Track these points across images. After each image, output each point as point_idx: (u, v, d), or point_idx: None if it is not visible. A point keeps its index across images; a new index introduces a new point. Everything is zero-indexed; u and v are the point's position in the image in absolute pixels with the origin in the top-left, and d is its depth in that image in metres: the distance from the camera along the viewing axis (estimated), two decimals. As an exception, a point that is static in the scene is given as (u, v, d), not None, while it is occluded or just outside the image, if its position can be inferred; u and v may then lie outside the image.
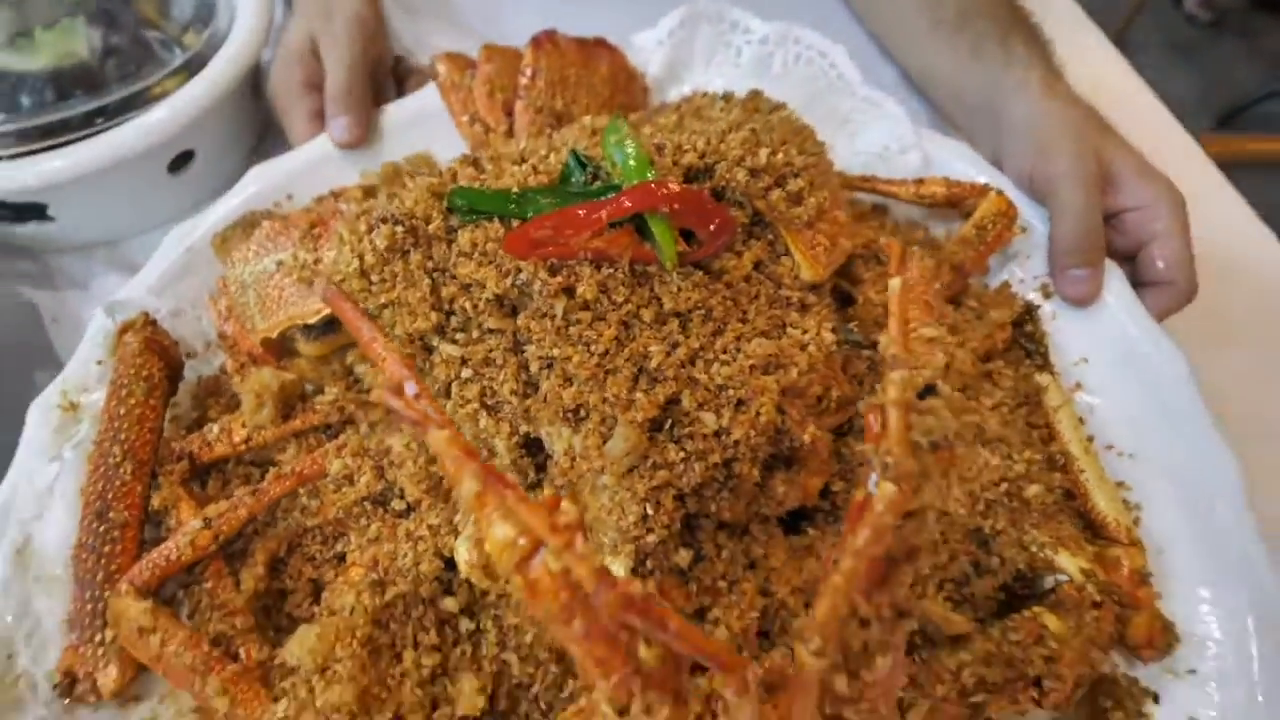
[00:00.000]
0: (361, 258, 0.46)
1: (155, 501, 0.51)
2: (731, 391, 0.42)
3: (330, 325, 0.51)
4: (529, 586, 0.26)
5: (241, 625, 0.47)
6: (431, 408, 0.28)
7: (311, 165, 0.67)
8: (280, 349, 0.55)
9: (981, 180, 0.64)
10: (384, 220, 0.45)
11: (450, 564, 0.48)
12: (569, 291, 0.42)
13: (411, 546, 0.48)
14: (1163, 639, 0.48)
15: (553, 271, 0.42)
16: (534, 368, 0.43)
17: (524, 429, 0.44)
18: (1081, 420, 0.55)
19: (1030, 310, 0.59)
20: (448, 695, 0.45)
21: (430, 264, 0.45)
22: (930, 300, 0.44)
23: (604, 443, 0.41)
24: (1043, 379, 0.56)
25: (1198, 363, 0.55)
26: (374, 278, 0.46)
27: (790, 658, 0.31)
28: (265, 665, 0.46)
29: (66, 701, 0.46)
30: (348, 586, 0.47)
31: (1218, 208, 0.77)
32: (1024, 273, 0.63)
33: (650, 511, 0.40)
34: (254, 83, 0.76)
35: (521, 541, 0.26)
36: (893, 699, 0.32)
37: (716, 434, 0.41)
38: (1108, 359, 0.58)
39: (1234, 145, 2.05)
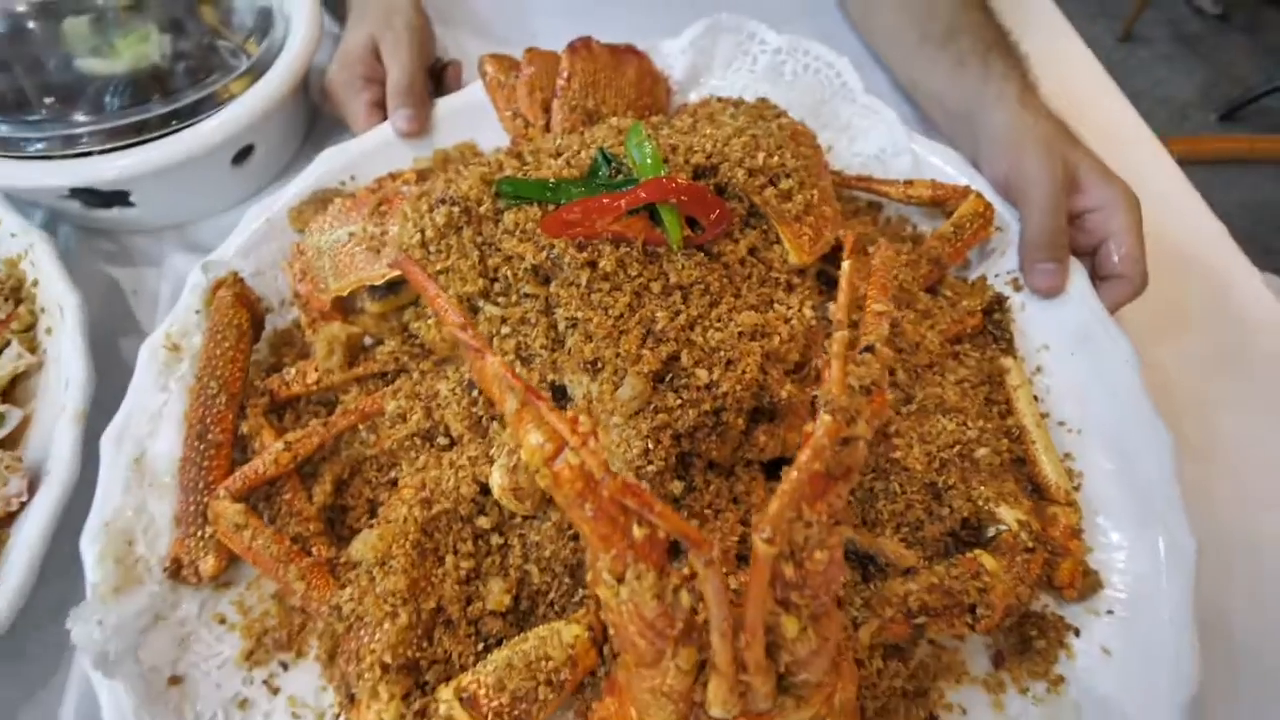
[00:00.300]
0: (423, 231, 0.55)
1: (243, 428, 0.62)
2: (722, 353, 0.51)
3: (392, 287, 0.61)
4: (554, 478, 0.35)
5: (313, 529, 0.58)
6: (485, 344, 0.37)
7: (372, 151, 0.77)
8: (346, 307, 0.65)
9: (963, 182, 0.71)
10: (443, 201, 0.54)
11: (484, 490, 0.58)
12: (592, 265, 0.51)
13: (453, 473, 0.58)
14: (1085, 583, 0.56)
15: (580, 248, 0.51)
16: (561, 327, 0.52)
17: (551, 377, 0.54)
18: (1037, 399, 0.63)
19: (1000, 301, 0.66)
20: (480, 594, 0.55)
21: (479, 239, 0.54)
22: (887, 283, 0.51)
23: (615, 390, 0.50)
24: (1006, 362, 0.64)
25: (1152, 349, 0.63)
26: (432, 249, 0.56)
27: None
28: (332, 562, 0.57)
29: (173, 583, 0.56)
30: (400, 502, 0.56)
31: (1177, 204, 0.83)
32: (998, 268, 0.70)
33: (650, 447, 0.49)
34: (305, 84, 0.86)
35: (548, 445, 0.35)
36: (832, 592, 0.40)
37: (708, 386, 0.50)
38: (1065, 345, 0.66)
39: (1197, 145, 2.07)
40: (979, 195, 0.69)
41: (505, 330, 0.54)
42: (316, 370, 0.64)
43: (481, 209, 0.54)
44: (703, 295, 0.52)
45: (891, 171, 0.75)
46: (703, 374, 0.50)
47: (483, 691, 0.50)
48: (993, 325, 0.65)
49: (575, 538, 0.57)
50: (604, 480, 0.34)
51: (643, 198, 0.51)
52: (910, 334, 0.61)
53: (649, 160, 0.54)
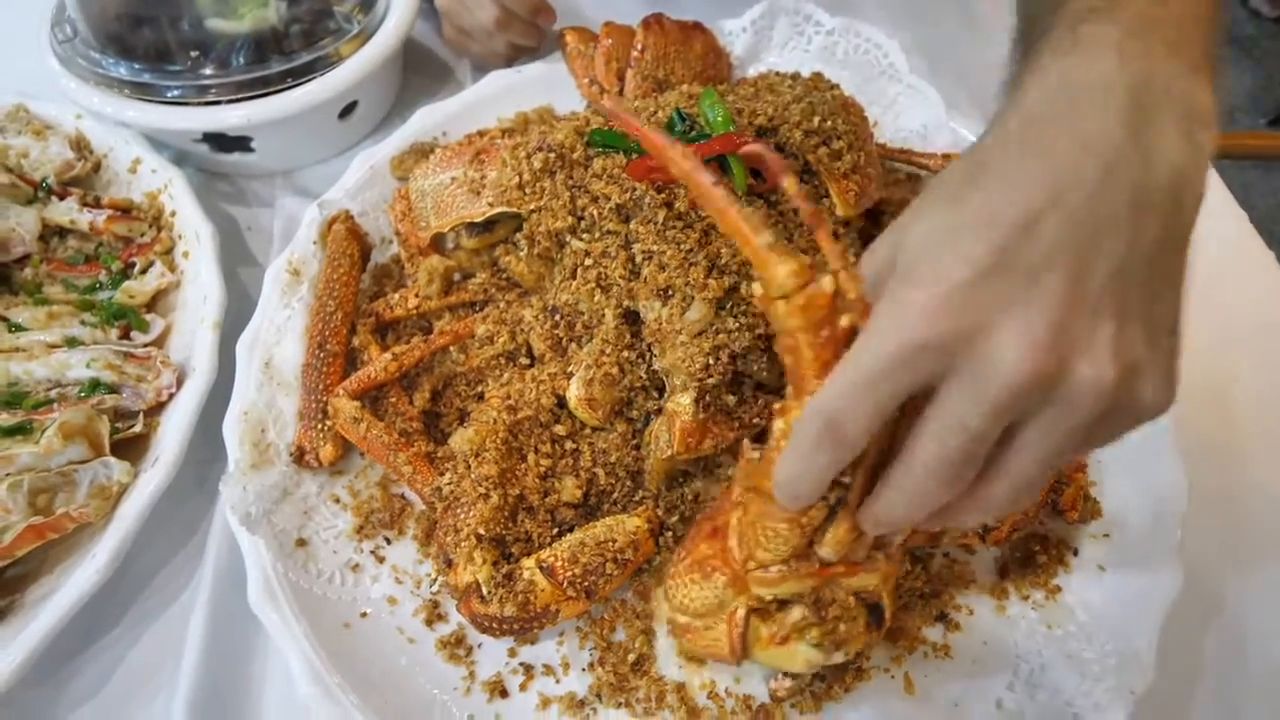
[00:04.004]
0: (520, 175, 0.65)
1: (354, 342, 0.72)
2: (776, 286, 0.59)
3: (487, 226, 0.70)
4: (807, 300, 0.35)
5: (415, 427, 0.68)
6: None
7: (462, 111, 0.87)
8: (440, 245, 0.75)
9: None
10: (540, 149, 0.63)
11: (561, 403, 0.67)
12: (669, 205, 0.59)
13: (535, 386, 0.67)
14: (1086, 508, 0.64)
15: (659, 190, 0.60)
16: (638, 259, 0.61)
17: (626, 303, 0.62)
18: None
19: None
20: (555, 488, 0.65)
21: (570, 182, 0.63)
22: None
23: (683, 313, 0.59)
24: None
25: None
26: (528, 189, 0.65)
27: None
28: (430, 455, 0.67)
29: (298, 466, 0.67)
30: (490, 408, 0.66)
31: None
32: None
33: (711, 363, 0.58)
34: (403, 49, 0.95)
35: (798, 277, 0.35)
36: None
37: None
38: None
39: (1236, 140, 2.06)
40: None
41: (589, 262, 0.63)
42: (417, 296, 0.74)
43: (574, 155, 0.63)
44: (761, 237, 0.60)
45: (931, 146, 0.82)
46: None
47: (559, 563, 0.60)
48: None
49: (637, 446, 0.66)
50: (854, 303, 0.35)
51: (715, 149, 0.59)
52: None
53: (720, 119, 0.62)
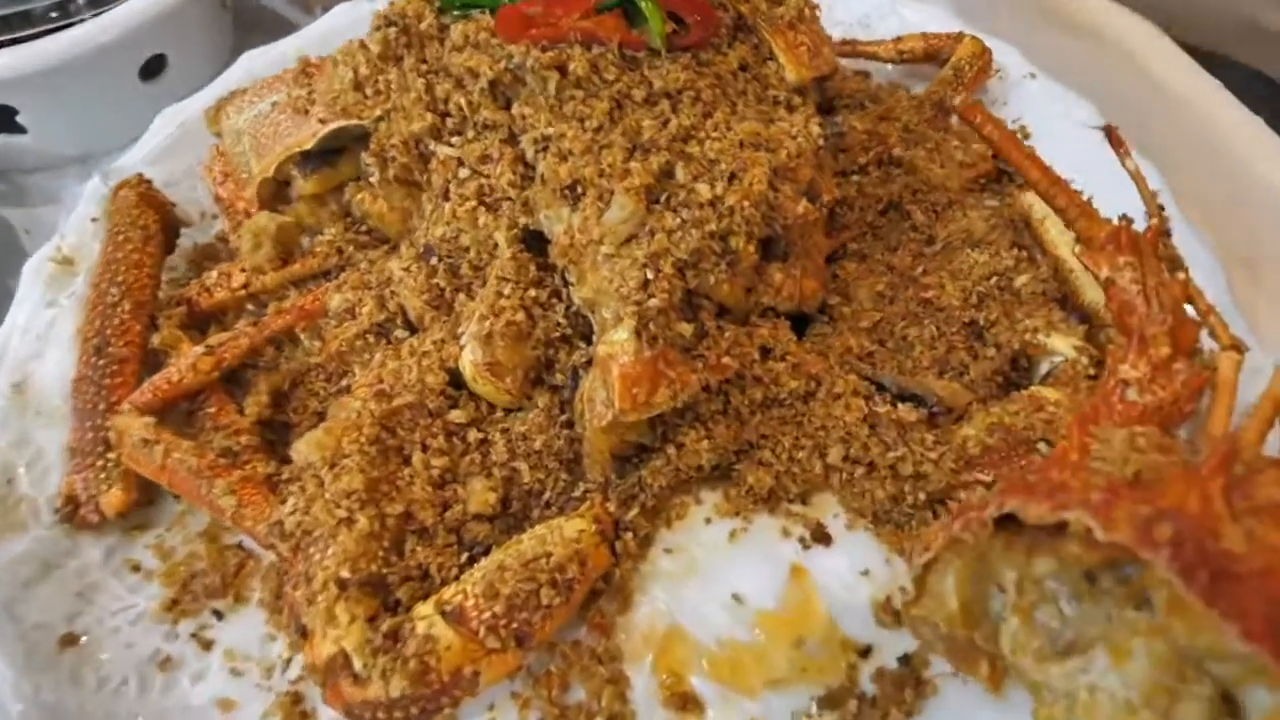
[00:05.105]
0: (356, 70, 0.47)
1: (155, 340, 0.51)
2: (724, 165, 0.43)
3: (326, 158, 0.52)
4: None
5: (246, 442, 0.47)
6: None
7: (306, 49, 0.68)
8: (277, 197, 0.56)
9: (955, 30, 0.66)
10: (378, 27, 0.46)
11: (456, 382, 0.48)
12: (561, 69, 0.43)
13: (416, 361, 0.48)
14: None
15: (544, 50, 0.43)
16: (530, 153, 0.44)
17: (523, 221, 0.45)
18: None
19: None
20: (458, 496, 0.45)
21: (424, 66, 0.46)
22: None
23: (602, 215, 0.41)
24: (1027, 198, 0.57)
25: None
26: (369, 90, 0.47)
27: None
28: (272, 479, 0.46)
29: (69, 525, 0.45)
30: (353, 400, 0.47)
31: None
32: (1003, 115, 0.65)
33: (650, 277, 0.41)
34: None
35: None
36: None
37: (712, 203, 0.42)
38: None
39: None
40: (974, 38, 0.64)
41: (464, 173, 0.46)
42: (244, 272, 0.54)
43: (423, 25, 0.46)
44: (694, 104, 0.44)
45: (876, 34, 0.69)
46: (704, 189, 0.42)
47: (471, 603, 0.40)
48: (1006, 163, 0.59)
49: (569, 423, 0.48)
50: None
51: (618, -10, 0.43)
52: (924, 170, 0.55)
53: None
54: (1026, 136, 0.63)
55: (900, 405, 0.46)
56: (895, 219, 0.55)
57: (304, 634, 0.40)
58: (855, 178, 0.56)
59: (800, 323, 0.51)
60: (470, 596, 0.41)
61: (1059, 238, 0.55)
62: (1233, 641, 0.25)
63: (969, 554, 0.32)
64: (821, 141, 0.47)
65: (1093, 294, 0.52)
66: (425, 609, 0.40)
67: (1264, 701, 0.27)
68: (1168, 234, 0.49)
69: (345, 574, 0.40)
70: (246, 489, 0.44)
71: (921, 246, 0.53)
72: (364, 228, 0.54)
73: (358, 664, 0.38)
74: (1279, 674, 0.25)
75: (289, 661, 0.43)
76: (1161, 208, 0.43)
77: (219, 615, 0.45)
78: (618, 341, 0.41)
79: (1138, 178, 0.43)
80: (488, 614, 0.40)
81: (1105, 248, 0.40)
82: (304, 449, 0.43)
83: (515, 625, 0.40)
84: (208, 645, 0.44)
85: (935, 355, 0.49)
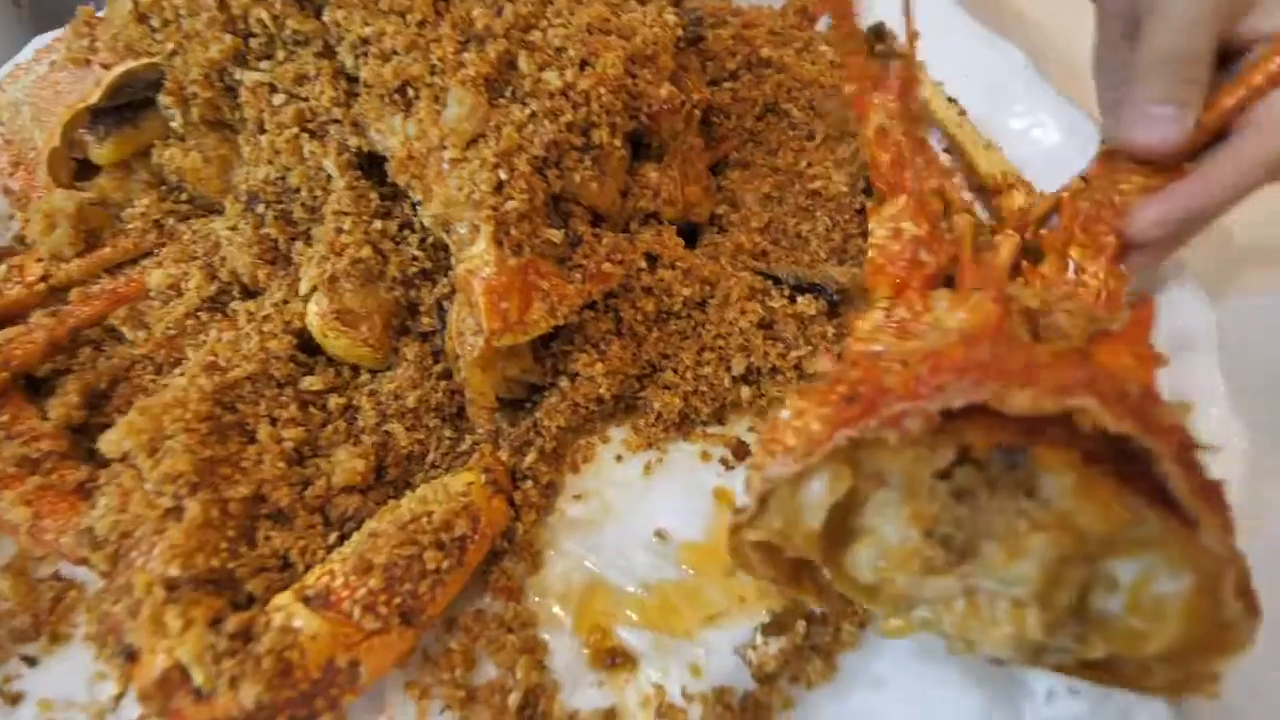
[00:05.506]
0: (136, 1, 0.40)
1: (-73, 354, 0.42)
2: (572, 52, 0.38)
3: (123, 114, 0.45)
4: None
5: (48, 448, 0.39)
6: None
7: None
8: (77, 175, 0.48)
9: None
10: (154, -55, 0.39)
11: (305, 342, 0.42)
12: (372, -40, 0.38)
13: (255, 328, 0.41)
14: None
15: (350, -58, 0.38)
16: (350, 62, 0.38)
17: (354, 143, 0.39)
18: (952, 100, 0.55)
19: (879, 30, 0.58)
20: (321, 471, 0.39)
21: (215, -19, 0.40)
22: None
23: (438, 118, 0.36)
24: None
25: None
26: (155, 21, 0.40)
27: None
28: (84, 485, 0.38)
29: None
30: (177, 379, 0.39)
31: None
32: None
33: (504, 177, 0.36)
34: None
35: None
36: None
37: (564, 91, 0.38)
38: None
39: None
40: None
41: (278, 100, 0.40)
42: (40, 262, 0.45)
43: (206, -66, 0.40)
44: (531, -9, 0.40)
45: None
46: (552, 77, 0.37)
47: (340, 581, 0.34)
48: (882, 56, 0.58)
49: (447, 376, 0.42)
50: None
51: None
52: (795, 68, 0.52)
53: None
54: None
55: (799, 299, 0.43)
56: (774, 121, 0.52)
57: (131, 657, 0.32)
58: (727, 85, 0.53)
59: (691, 238, 0.48)
60: (339, 575, 0.34)
61: (943, 112, 0.54)
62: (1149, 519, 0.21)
63: (851, 458, 0.26)
64: (680, 32, 0.44)
65: (984, 162, 0.51)
66: (283, 598, 0.33)
67: (1134, 573, 0.23)
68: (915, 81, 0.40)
69: (174, 572, 0.32)
70: (46, 498, 0.36)
71: (803, 143, 0.51)
72: (184, 196, 0.47)
73: (197, 676, 0.31)
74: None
75: (120, 698, 0.35)
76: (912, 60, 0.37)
77: (30, 662, 0.36)
78: (476, 254, 0.36)
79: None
80: (362, 591, 0.34)
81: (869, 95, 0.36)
82: (114, 437, 0.36)
83: (398, 600, 0.34)
84: (15, 700, 0.35)
85: (832, 246, 0.46)
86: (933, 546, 0.24)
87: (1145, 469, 0.22)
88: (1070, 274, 0.35)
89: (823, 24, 0.60)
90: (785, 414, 0.27)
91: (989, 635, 0.24)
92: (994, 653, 0.24)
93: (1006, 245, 0.38)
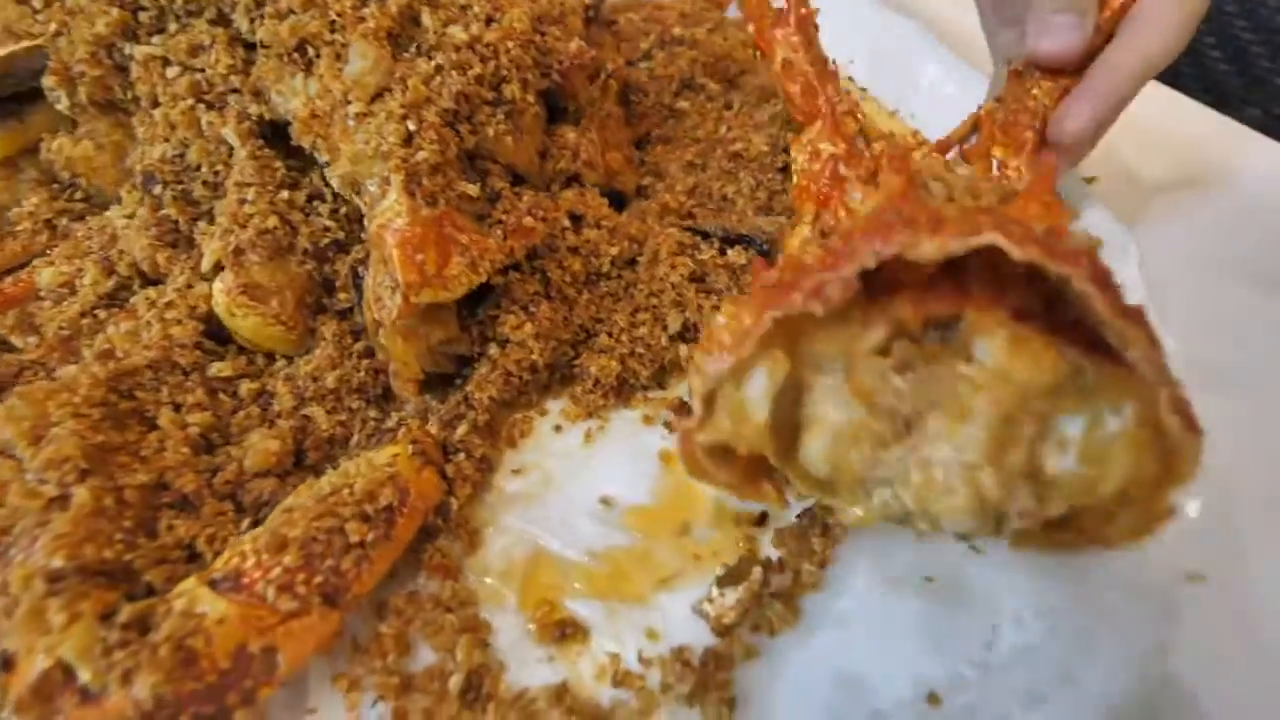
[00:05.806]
0: (14, -19, 0.38)
1: None
2: (477, 9, 0.38)
3: (4, 106, 0.42)
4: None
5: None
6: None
7: None
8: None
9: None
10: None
11: (213, 328, 0.39)
12: (262, -78, 0.37)
13: (157, 316, 0.39)
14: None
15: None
16: (246, 26, 0.37)
17: (254, 110, 0.38)
18: (850, 79, 0.56)
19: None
20: (231, 457, 0.36)
21: (98, -44, 0.38)
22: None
23: (341, 75, 0.35)
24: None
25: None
26: (36, 1, 0.39)
27: None
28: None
29: None
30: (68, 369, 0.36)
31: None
32: None
33: (413, 128, 0.35)
34: None
35: None
36: None
37: (470, 45, 0.37)
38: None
39: None
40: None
41: (172, 72, 0.38)
42: (-87, 271, 0.42)
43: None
44: (431, -48, 0.40)
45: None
46: (457, 31, 0.37)
47: (251, 562, 0.31)
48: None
49: (369, 354, 0.40)
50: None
51: None
52: (707, 43, 0.54)
53: None
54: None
55: (729, 251, 0.43)
56: (691, 96, 0.53)
57: (7, 664, 0.28)
58: (643, 64, 0.53)
59: (618, 210, 0.48)
60: (250, 555, 0.31)
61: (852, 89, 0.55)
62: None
63: (787, 341, 0.25)
64: None
65: (883, 122, 0.53)
66: (186, 584, 0.30)
67: (1080, 427, 0.23)
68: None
69: (58, 563, 0.29)
70: (-92, 504, 0.32)
71: (721, 112, 0.51)
72: (77, 194, 0.44)
73: (84, 673, 0.27)
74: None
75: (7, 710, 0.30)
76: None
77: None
78: (388, 206, 0.35)
79: None
80: (276, 570, 0.31)
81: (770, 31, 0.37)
82: (-11, 430, 0.32)
83: (319, 578, 0.31)
84: (-128, 739, 0.30)
85: (758, 204, 0.46)
86: (880, 419, 0.23)
87: (1076, 320, 0.22)
88: (994, 172, 0.36)
89: (732, 10, 0.62)
90: (720, 319, 0.27)
91: (948, 505, 0.23)
92: (957, 525, 0.23)
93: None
